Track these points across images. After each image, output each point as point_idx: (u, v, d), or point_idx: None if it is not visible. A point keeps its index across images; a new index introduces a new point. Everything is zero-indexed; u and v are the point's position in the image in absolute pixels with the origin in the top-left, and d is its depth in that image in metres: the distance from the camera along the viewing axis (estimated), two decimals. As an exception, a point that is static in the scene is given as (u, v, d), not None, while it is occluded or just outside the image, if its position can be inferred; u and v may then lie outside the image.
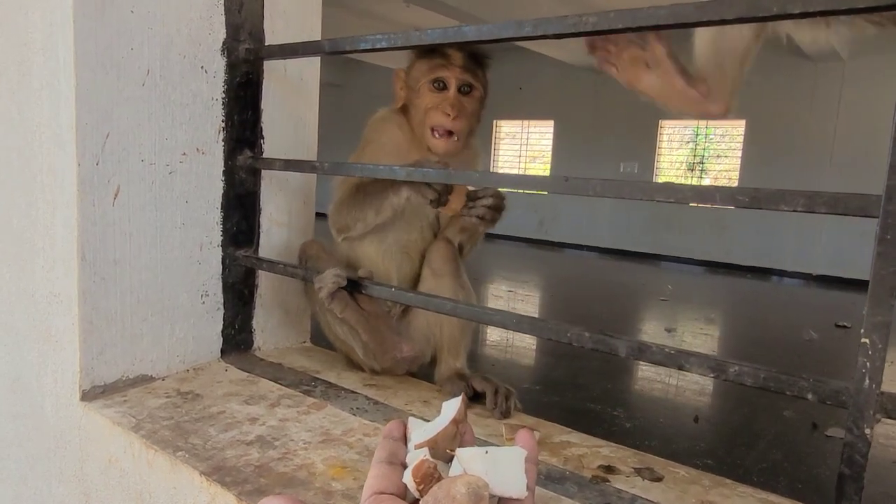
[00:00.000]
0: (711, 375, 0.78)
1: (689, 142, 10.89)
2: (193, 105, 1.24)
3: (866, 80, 8.66)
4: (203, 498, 0.90)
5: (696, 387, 4.53)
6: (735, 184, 10.29)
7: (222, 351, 1.36)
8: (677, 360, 0.80)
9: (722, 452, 3.34)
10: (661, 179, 11.12)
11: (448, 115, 1.32)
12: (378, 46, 1.09)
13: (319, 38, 1.45)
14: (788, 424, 3.54)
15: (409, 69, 1.39)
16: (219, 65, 1.28)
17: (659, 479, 0.96)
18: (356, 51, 1.14)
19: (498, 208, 1.23)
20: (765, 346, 5.48)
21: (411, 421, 0.72)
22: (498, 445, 0.66)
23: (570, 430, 1.12)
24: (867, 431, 0.66)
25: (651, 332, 6.01)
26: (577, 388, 4.15)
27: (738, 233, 9.98)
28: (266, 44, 1.34)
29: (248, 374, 1.29)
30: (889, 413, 0.64)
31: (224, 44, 1.28)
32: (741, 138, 10.07)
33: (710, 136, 10.75)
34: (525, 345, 5.27)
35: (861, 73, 8.78)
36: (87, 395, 1.14)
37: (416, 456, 0.64)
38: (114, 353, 1.18)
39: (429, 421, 0.70)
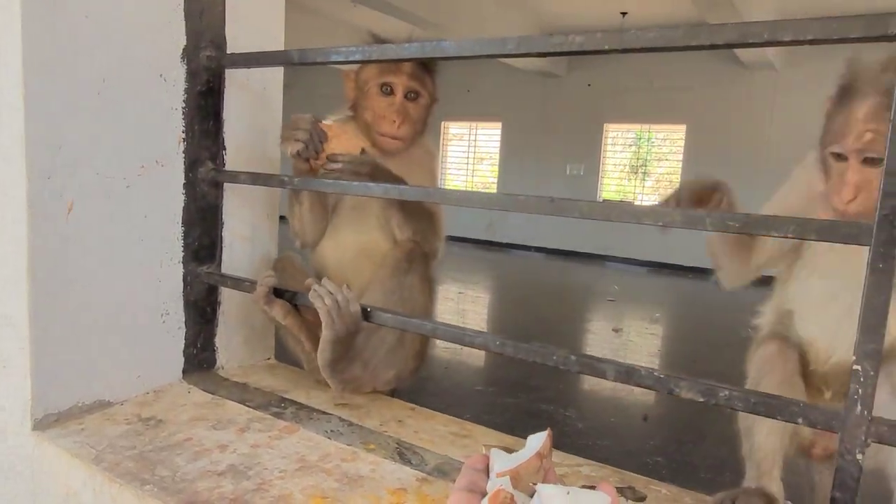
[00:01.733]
0: (701, 399, 0.79)
1: (632, 145, 11.17)
2: (152, 115, 1.18)
3: (797, 88, 9.07)
4: (175, 536, 0.85)
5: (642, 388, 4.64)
6: (675, 185, 10.62)
7: (184, 371, 1.29)
8: (667, 384, 0.81)
9: (671, 450, 3.43)
10: (605, 181, 11.38)
11: (394, 122, 1.32)
12: (352, 59, 1.06)
13: (282, 46, 1.41)
14: (733, 421, 3.66)
15: (359, 71, 1.39)
16: (178, 73, 1.22)
17: (642, 499, 0.97)
18: (328, 62, 1.11)
19: (355, 172, 1.22)
20: (709, 344, 5.67)
21: (493, 452, 0.72)
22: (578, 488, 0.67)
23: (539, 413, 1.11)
24: (859, 457, 0.67)
25: (599, 332, 6.13)
26: (530, 390, 4.18)
27: (680, 234, 10.26)
28: (228, 51, 1.28)
29: (212, 395, 1.24)
30: (881, 438, 0.66)
31: (184, 51, 1.22)
32: (682, 142, 10.40)
33: (652, 140, 11.06)
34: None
35: (792, 81, 9.20)
36: (40, 424, 1.06)
37: (496, 485, 0.64)
38: (68, 377, 1.10)
39: (511, 453, 0.70)
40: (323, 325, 1.14)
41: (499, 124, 11.98)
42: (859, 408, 0.67)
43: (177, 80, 1.21)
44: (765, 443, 1.01)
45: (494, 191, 12.18)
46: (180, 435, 1.07)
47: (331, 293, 1.12)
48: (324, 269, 1.38)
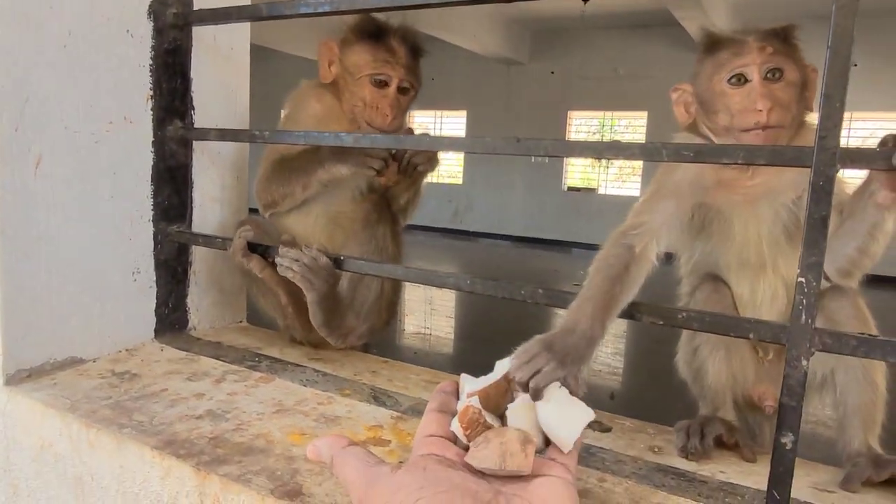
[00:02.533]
0: (661, 323, 0.83)
1: (595, 132, 11.33)
2: (119, 71, 1.18)
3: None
4: (155, 473, 0.86)
5: (609, 368, 4.75)
6: (640, 172, 10.82)
7: (156, 331, 1.29)
8: (629, 311, 0.85)
9: (638, 424, 3.53)
10: (570, 168, 11.52)
11: (387, 116, 1.29)
12: (320, 10, 1.07)
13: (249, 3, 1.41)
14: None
15: (344, 49, 1.33)
16: (145, 29, 1.21)
17: (608, 430, 1.02)
18: (296, 15, 1.12)
19: (431, 159, 1.25)
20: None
21: (463, 377, 0.76)
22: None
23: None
24: (804, 364, 0.72)
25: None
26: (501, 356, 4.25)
27: (642, 219, 10.49)
28: (195, 8, 1.28)
29: (186, 352, 1.24)
30: (825, 346, 0.71)
31: (150, 7, 1.21)
32: (643, 129, 10.60)
33: (616, 128, 11.24)
34: (444, 333, 5.33)
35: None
36: (12, 380, 1.06)
37: (466, 403, 0.67)
38: (40, 334, 1.10)
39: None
40: (304, 290, 1.16)
41: (464, 112, 12.03)
42: (804, 317, 0.72)
43: (143, 37, 1.21)
44: (715, 381, 1.06)
45: (460, 181, 12.24)
46: (156, 386, 1.08)
47: (296, 259, 1.14)
48: (293, 236, 1.38)
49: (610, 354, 5.02)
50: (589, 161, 11.28)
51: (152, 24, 1.22)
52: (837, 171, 0.70)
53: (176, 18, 1.23)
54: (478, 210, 12.10)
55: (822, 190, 0.70)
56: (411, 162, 1.25)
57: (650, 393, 4.11)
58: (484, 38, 9.88)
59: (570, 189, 11.30)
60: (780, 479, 0.75)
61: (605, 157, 0.86)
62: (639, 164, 10.65)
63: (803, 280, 0.72)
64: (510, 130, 11.45)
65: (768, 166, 0.96)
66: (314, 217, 1.37)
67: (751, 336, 0.78)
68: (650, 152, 0.83)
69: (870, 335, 0.73)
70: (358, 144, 1.06)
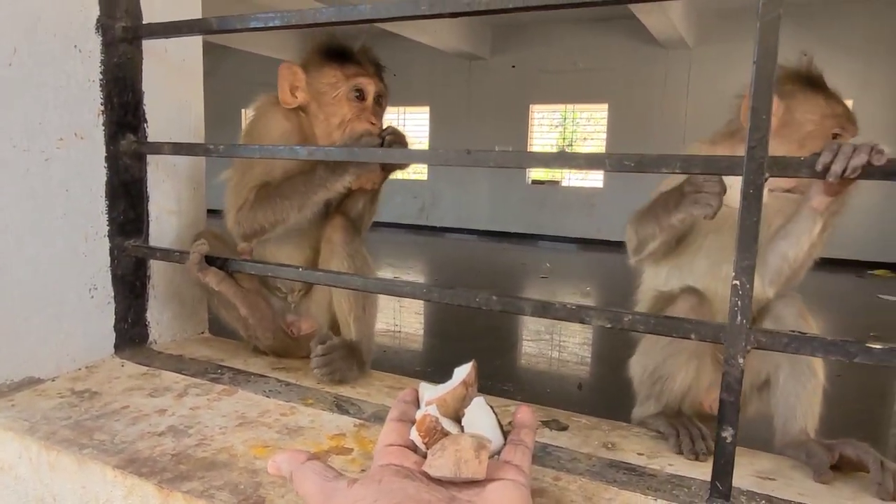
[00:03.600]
0: (608, 325, 0.87)
1: (557, 125, 11.45)
2: (68, 87, 1.16)
3: (710, 65, 9.53)
4: (118, 492, 0.86)
5: (577, 358, 4.83)
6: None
7: (116, 346, 1.29)
8: (578, 314, 0.88)
9: (605, 415, 3.61)
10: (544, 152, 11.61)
11: (373, 124, 1.30)
12: (271, 25, 1.08)
13: (200, 16, 1.41)
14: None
15: (311, 72, 1.33)
16: (94, 44, 1.20)
17: (565, 429, 1.05)
18: (247, 29, 1.12)
19: (403, 142, 1.23)
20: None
21: (422, 386, 0.78)
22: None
23: (481, 393, 1.18)
24: (740, 361, 0.77)
25: (533, 307, 6.30)
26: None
27: (607, 211, 10.65)
28: (144, 22, 1.27)
29: (147, 367, 1.24)
30: (760, 344, 0.75)
31: (98, 21, 1.20)
32: (605, 121, 10.74)
33: (577, 120, 11.37)
34: (413, 330, 5.35)
35: (705, 58, 9.65)
36: (-33, 404, 1.05)
37: (424, 411, 0.70)
38: (-6, 356, 1.09)
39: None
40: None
41: (427, 108, 12.02)
42: (739, 318, 0.76)
43: (92, 52, 1.20)
44: (680, 387, 1.11)
45: (425, 177, 12.25)
46: (116, 404, 1.07)
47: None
48: (255, 248, 1.38)
49: (578, 344, 5.11)
50: (553, 151, 11.39)
51: (100, 38, 1.21)
52: (766, 179, 0.74)
53: (125, 32, 1.23)
54: (443, 205, 12.12)
55: (752, 197, 0.74)
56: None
57: (617, 378, 4.20)
58: (445, 34, 9.88)
59: (535, 182, 11.40)
60: (723, 470, 0.79)
61: (553, 167, 0.89)
62: (602, 152, 10.78)
63: (738, 283, 0.76)
64: (473, 125, 11.50)
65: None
66: (295, 239, 1.35)
67: (692, 336, 0.82)
68: (594, 162, 0.86)
69: (800, 333, 0.77)
70: (312, 157, 1.07)
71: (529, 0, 0.85)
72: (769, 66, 0.71)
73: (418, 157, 1.02)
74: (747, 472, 0.91)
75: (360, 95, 1.32)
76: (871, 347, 0.72)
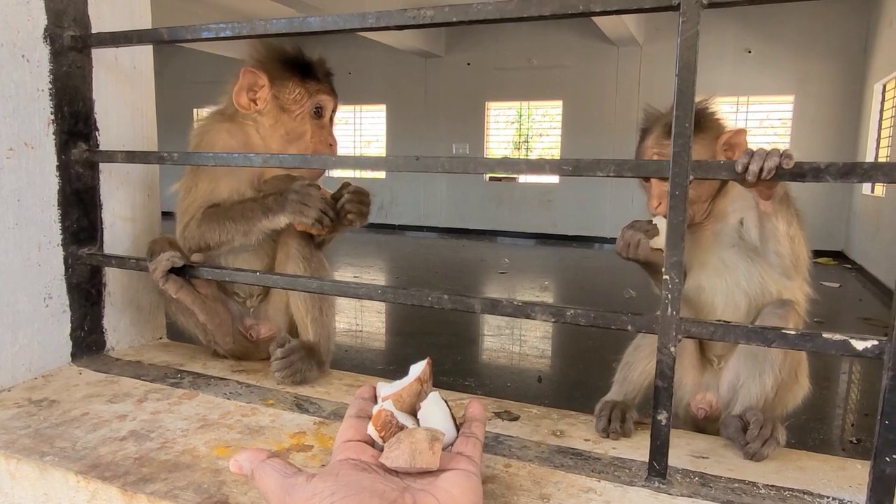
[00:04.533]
0: (553, 320, 0.92)
1: (513, 122, 11.58)
2: (17, 97, 1.16)
3: (659, 63, 9.78)
4: (81, 497, 0.88)
5: (537, 352, 4.93)
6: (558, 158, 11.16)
7: (73, 354, 1.29)
8: (524, 310, 0.93)
9: (564, 405, 3.70)
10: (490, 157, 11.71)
11: (332, 145, 1.34)
12: (222, 35, 1.10)
13: (149, 25, 1.41)
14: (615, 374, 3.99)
15: (276, 84, 1.32)
16: (42, 53, 1.20)
17: (516, 419, 1.10)
18: (198, 39, 1.14)
19: (363, 214, 1.28)
20: (595, 306, 6.08)
21: (379, 385, 0.82)
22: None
23: (436, 388, 1.23)
24: (672, 349, 0.83)
25: (493, 302, 6.38)
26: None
27: (563, 206, 10.84)
28: (93, 31, 1.27)
29: (105, 374, 1.25)
30: (689, 333, 0.82)
31: (46, 30, 1.20)
32: (559, 118, 10.92)
33: (533, 117, 11.52)
34: (374, 328, 5.38)
35: (655, 56, 9.90)
36: (-79, 417, 1.04)
37: (379, 407, 0.74)
38: (-53, 368, 1.08)
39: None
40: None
41: (383, 106, 12.01)
42: (670, 310, 0.82)
43: (41, 61, 1.20)
44: (639, 377, 1.19)
45: (384, 175, 12.24)
46: (76, 411, 1.08)
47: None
48: (210, 256, 1.38)
49: (538, 338, 5.21)
50: (509, 150, 11.53)
51: (49, 47, 1.21)
52: (690, 182, 0.80)
53: (74, 42, 1.23)
54: (402, 203, 12.14)
55: (678, 198, 0.81)
56: (344, 208, 1.27)
57: (575, 371, 4.32)
58: (400, 33, 9.89)
59: (492, 179, 11.52)
60: (658, 450, 0.86)
61: (497, 172, 0.94)
62: (557, 149, 10.97)
63: (668, 277, 0.82)
64: (430, 123, 11.54)
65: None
66: (251, 247, 1.35)
67: (629, 328, 0.88)
68: (535, 167, 0.91)
69: (724, 322, 0.84)
70: (267, 164, 1.10)
71: (470, 14, 0.90)
72: (690, 78, 0.78)
73: (369, 163, 1.05)
74: (683, 452, 0.98)
75: (319, 112, 1.35)
76: (786, 333, 0.79)
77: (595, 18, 8.53)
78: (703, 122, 1.22)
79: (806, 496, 0.85)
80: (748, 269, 1.22)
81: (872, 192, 8.19)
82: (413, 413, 0.81)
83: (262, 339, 1.39)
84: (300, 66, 1.34)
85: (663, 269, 0.82)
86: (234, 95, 1.33)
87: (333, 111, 1.39)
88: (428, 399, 0.80)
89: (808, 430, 3.44)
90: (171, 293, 1.21)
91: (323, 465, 0.91)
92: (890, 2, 7.87)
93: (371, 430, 0.74)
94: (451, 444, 0.77)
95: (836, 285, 7.33)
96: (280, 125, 1.33)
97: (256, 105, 1.33)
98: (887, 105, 7.87)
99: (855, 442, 3.34)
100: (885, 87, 8.11)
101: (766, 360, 1.12)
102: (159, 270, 1.18)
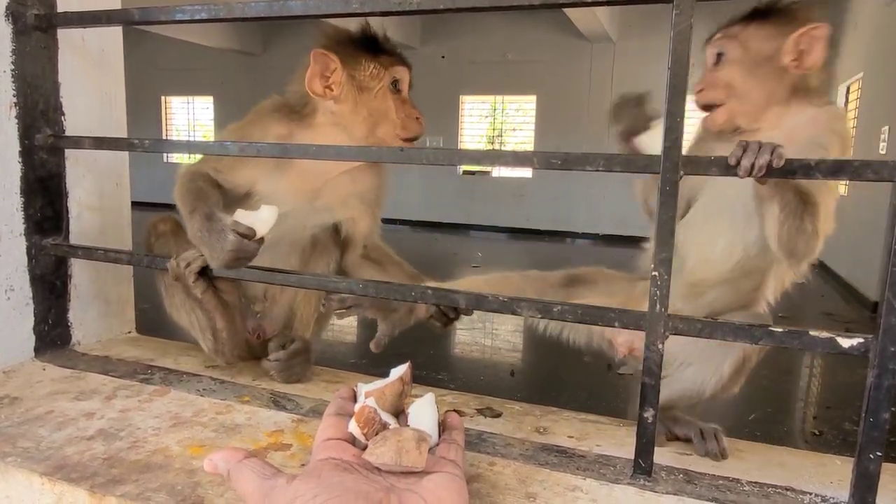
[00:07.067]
0: (539, 317, 0.91)
1: (487, 116, 11.57)
2: (-23, 78, 1.10)
3: (632, 58, 9.87)
4: (47, 500, 0.84)
5: (509, 345, 4.95)
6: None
7: (36, 350, 1.24)
8: (510, 306, 0.92)
9: (536, 399, 3.72)
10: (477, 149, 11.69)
11: (418, 118, 1.24)
12: (197, 18, 1.06)
13: (119, 5, 1.35)
14: (589, 368, 4.02)
15: (349, 63, 1.21)
16: (3, 32, 1.14)
17: (499, 416, 1.09)
18: (172, 22, 1.09)
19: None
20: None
21: (360, 385, 0.80)
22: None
23: (415, 385, 1.21)
24: (660, 346, 0.82)
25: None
26: (402, 358, 4.28)
27: (536, 201, 10.88)
28: (59, 10, 1.22)
29: (71, 370, 1.20)
30: (677, 330, 0.81)
31: (8, 8, 1.14)
32: (533, 112, 10.95)
33: (507, 112, 11.52)
34: (346, 322, 5.33)
35: (628, 52, 9.98)
36: None
37: (361, 403, 0.72)
38: None
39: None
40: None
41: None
42: (658, 307, 0.81)
43: (2, 41, 1.14)
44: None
45: (356, 165, 12.12)
46: (40, 409, 1.04)
47: None
48: None
49: (510, 332, 5.22)
50: (483, 145, 11.53)
51: (11, 26, 1.15)
52: (681, 178, 0.79)
53: (38, 20, 1.17)
54: (375, 196, 12.05)
55: (669, 194, 0.79)
56: None
57: (547, 364, 4.34)
58: (374, 22, 9.79)
59: (466, 173, 11.50)
60: (644, 448, 0.85)
61: (484, 164, 0.92)
62: (531, 143, 11.00)
63: (656, 274, 0.81)
64: (404, 115, 11.44)
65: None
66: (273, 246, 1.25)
67: (616, 324, 0.87)
68: (523, 160, 0.90)
69: (712, 319, 0.84)
70: (244, 153, 1.06)
71: (458, 2, 0.87)
72: (682, 73, 0.77)
73: (351, 154, 1.02)
74: (668, 450, 0.97)
75: (396, 85, 1.24)
76: (773, 331, 0.79)
77: (570, 13, 8.57)
78: (776, 9, 1.06)
79: (789, 493, 0.85)
80: (766, 223, 1.02)
81: (836, 190, 8.37)
82: (395, 413, 0.79)
83: (266, 338, 1.33)
84: (367, 42, 1.23)
85: (651, 266, 0.81)
86: (307, 83, 1.19)
87: (409, 84, 1.28)
88: (424, 399, 0.79)
89: (774, 423, 3.52)
90: (198, 293, 1.15)
91: (303, 465, 0.88)
92: (854, 4, 8.05)
93: (353, 427, 0.72)
94: (434, 449, 0.75)
95: (800, 281, 7.49)
96: (361, 107, 1.21)
97: (332, 91, 1.20)
98: (851, 106, 8.06)
99: (817, 434, 3.42)
100: (848, 88, 8.31)
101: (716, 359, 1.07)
102: (193, 266, 1.10)
